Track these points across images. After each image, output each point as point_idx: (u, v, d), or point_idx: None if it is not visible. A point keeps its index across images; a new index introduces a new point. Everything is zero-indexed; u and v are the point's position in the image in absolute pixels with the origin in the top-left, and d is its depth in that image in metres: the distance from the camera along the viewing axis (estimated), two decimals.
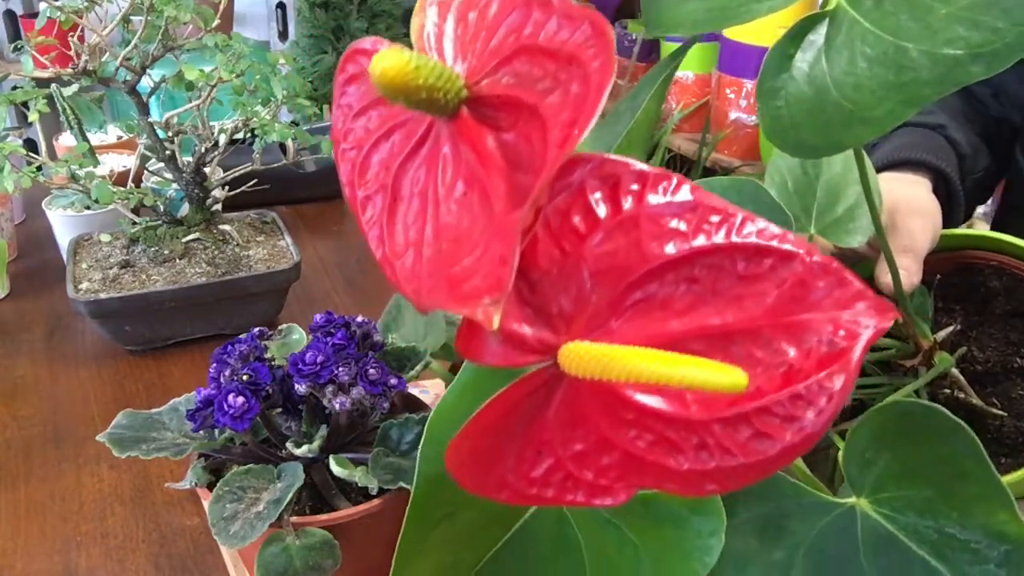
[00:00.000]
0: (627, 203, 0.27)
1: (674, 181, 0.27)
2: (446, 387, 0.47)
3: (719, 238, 0.27)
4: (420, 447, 0.41)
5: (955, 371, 0.57)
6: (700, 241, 0.27)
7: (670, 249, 0.27)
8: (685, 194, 0.27)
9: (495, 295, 0.26)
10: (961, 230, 0.67)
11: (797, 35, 0.40)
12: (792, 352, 0.26)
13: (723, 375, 0.24)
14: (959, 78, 0.35)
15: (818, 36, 0.40)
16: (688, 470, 0.27)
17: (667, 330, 0.27)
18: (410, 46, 0.29)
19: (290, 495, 0.51)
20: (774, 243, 0.26)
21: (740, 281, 0.26)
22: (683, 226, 0.27)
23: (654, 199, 0.27)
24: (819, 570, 0.41)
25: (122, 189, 0.90)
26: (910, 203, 0.63)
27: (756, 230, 0.26)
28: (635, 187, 0.27)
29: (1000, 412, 0.58)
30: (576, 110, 0.26)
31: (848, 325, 0.26)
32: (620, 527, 0.41)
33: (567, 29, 0.27)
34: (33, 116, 0.86)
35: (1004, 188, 0.91)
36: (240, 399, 0.53)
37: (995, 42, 0.34)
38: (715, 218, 0.27)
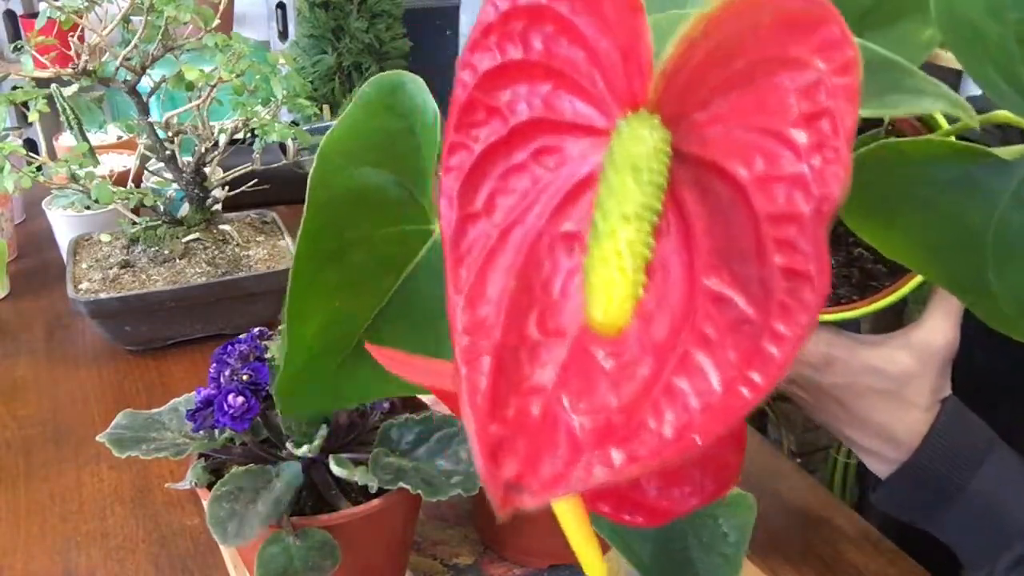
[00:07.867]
0: None
1: None
2: None
3: None
4: (311, 174, 0.37)
5: None
6: None
7: None
8: None
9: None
10: None
11: None
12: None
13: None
14: None
15: None
16: None
17: None
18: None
19: (290, 495, 0.51)
20: None
21: None
22: None
23: None
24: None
25: (122, 189, 0.90)
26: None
27: None
28: None
29: None
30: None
31: None
32: None
33: None
34: (33, 116, 0.85)
35: None
36: (240, 399, 0.53)
37: None
38: None
